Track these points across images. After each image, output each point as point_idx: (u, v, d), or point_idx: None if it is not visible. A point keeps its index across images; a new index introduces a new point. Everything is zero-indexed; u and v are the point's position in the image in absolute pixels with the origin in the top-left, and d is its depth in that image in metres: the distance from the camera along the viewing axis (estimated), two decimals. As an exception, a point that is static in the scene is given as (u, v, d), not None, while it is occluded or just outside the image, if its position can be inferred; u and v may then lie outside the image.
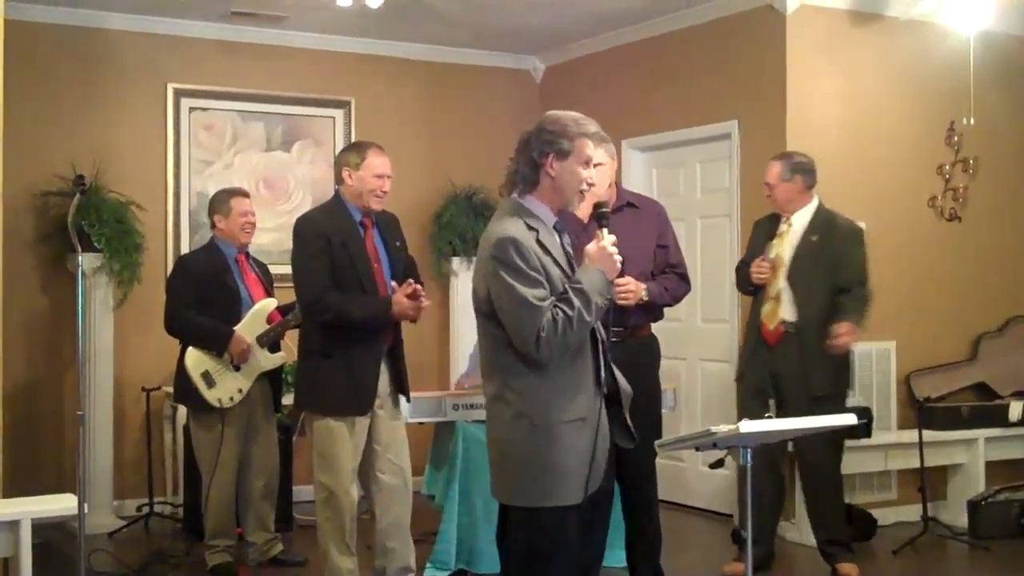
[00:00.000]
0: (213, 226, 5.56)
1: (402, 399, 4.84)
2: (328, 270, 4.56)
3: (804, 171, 5.29)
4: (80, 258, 4.38)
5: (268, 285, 5.66)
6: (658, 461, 4.70)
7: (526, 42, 7.69)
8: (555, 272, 3.25)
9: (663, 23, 6.97)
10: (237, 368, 5.37)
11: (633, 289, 4.43)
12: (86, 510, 4.27)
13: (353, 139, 7.14)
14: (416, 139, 7.58)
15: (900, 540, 5.86)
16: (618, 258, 3.32)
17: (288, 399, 5.66)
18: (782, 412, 5.12)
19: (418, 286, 4.61)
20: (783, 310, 5.23)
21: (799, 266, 5.22)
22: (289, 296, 5.25)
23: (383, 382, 4.67)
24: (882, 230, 6.43)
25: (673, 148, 7.11)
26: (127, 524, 6.38)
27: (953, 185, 6.72)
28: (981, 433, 6.42)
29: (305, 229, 4.67)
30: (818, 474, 5.34)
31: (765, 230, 5.41)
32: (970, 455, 6.44)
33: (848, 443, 5.92)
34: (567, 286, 3.24)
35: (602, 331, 3.40)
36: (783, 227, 5.31)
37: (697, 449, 3.53)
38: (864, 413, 5.89)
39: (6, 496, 4.98)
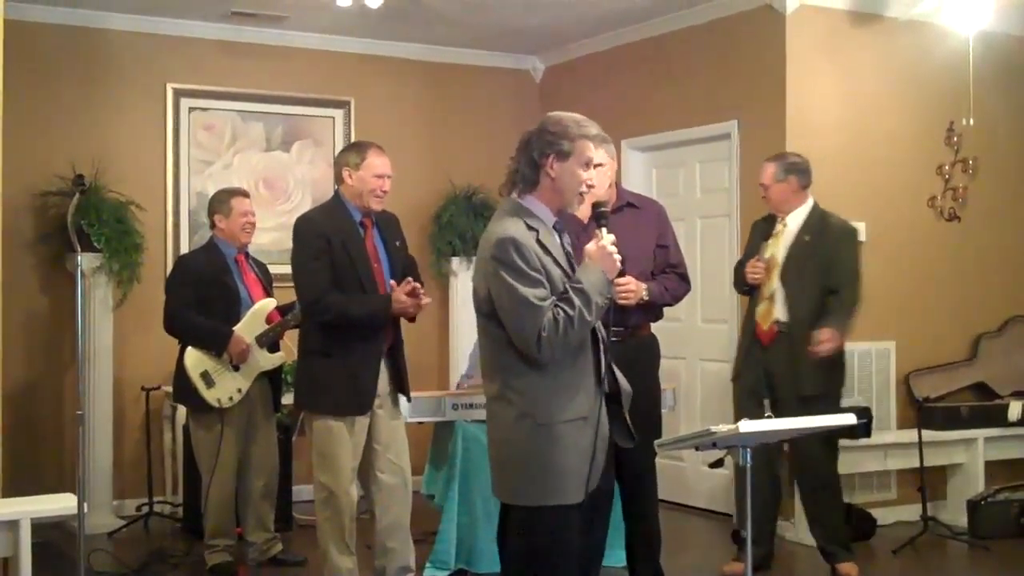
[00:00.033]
0: (213, 226, 5.56)
1: (402, 399, 4.84)
2: (328, 270, 4.56)
3: (798, 171, 5.30)
4: (80, 258, 4.38)
5: (267, 285, 5.66)
6: (658, 461, 4.70)
7: (526, 42, 7.69)
8: (555, 272, 3.26)
9: (663, 23, 6.97)
10: (236, 368, 5.37)
11: (634, 289, 4.43)
12: (86, 510, 4.27)
13: (353, 139, 7.14)
14: (416, 139, 7.58)
15: (900, 540, 5.86)
16: (617, 257, 3.34)
17: (288, 399, 5.66)
18: (776, 412, 5.12)
19: (417, 284, 4.61)
20: (776, 310, 5.25)
21: (791, 266, 5.23)
22: (289, 296, 5.26)
23: (383, 382, 4.67)
24: (882, 230, 6.44)
25: (673, 148, 7.12)
26: (127, 524, 6.38)
27: (953, 185, 6.72)
28: (980, 433, 6.42)
29: (305, 229, 4.67)
30: (813, 473, 5.35)
31: (762, 231, 5.43)
32: (969, 455, 6.44)
33: (848, 443, 5.94)
34: (567, 286, 3.25)
35: (602, 330, 3.40)
36: (778, 227, 5.33)
37: (697, 449, 3.53)
38: (864, 413, 5.89)
39: (6, 496, 4.98)
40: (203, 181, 7.02)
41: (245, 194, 5.65)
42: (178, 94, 7.00)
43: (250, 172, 7.19)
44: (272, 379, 5.56)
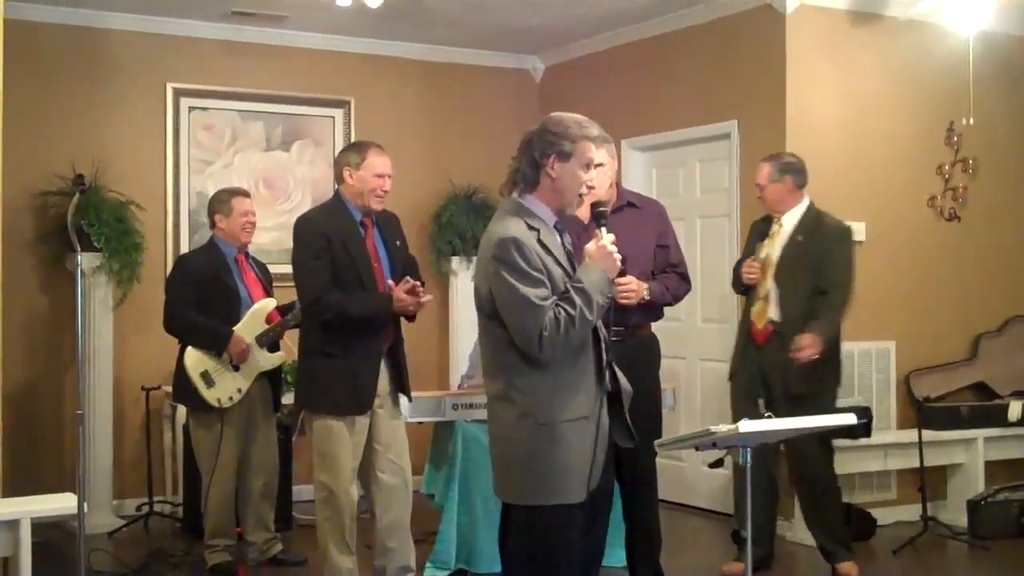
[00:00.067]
0: (213, 225, 5.56)
1: (402, 398, 4.83)
2: (329, 269, 4.56)
3: (793, 171, 5.31)
4: (80, 258, 4.38)
5: (267, 285, 5.66)
6: (658, 460, 4.70)
7: (526, 42, 7.69)
8: (557, 271, 3.27)
9: (663, 23, 6.97)
10: (236, 368, 5.37)
11: (635, 288, 4.44)
12: (86, 509, 4.27)
13: (353, 139, 7.14)
14: (416, 139, 7.58)
15: (900, 540, 5.86)
16: (618, 257, 3.34)
17: (287, 399, 5.66)
18: (769, 411, 5.13)
19: (416, 283, 4.61)
20: (771, 310, 5.26)
21: (785, 266, 5.25)
22: (289, 296, 5.26)
23: (383, 381, 4.67)
24: (882, 230, 6.44)
25: (673, 148, 7.12)
26: (127, 523, 6.38)
27: (953, 185, 6.72)
28: (980, 433, 6.42)
29: (305, 229, 4.67)
30: (808, 473, 5.34)
31: (759, 231, 5.44)
32: (970, 455, 6.44)
33: (848, 443, 5.94)
34: (568, 285, 3.25)
35: (603, 329, 3.41)
36: (774, 227, 5.34)
37: (697, 449, 3.53)
38: (864, 413, 5.89)
39: (6, 495, 4.98)
40: (203, 181, 7.02)
41: (246, 194, 5.65)
42: (178, 94, 7.00)
43: (250, 172, 7.19)
44: (272, 379, 5.56)
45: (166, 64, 6.95)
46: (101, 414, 6.41)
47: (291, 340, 5.29)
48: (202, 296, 5.38)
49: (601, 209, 3.47)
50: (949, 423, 6.36)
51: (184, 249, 6.74)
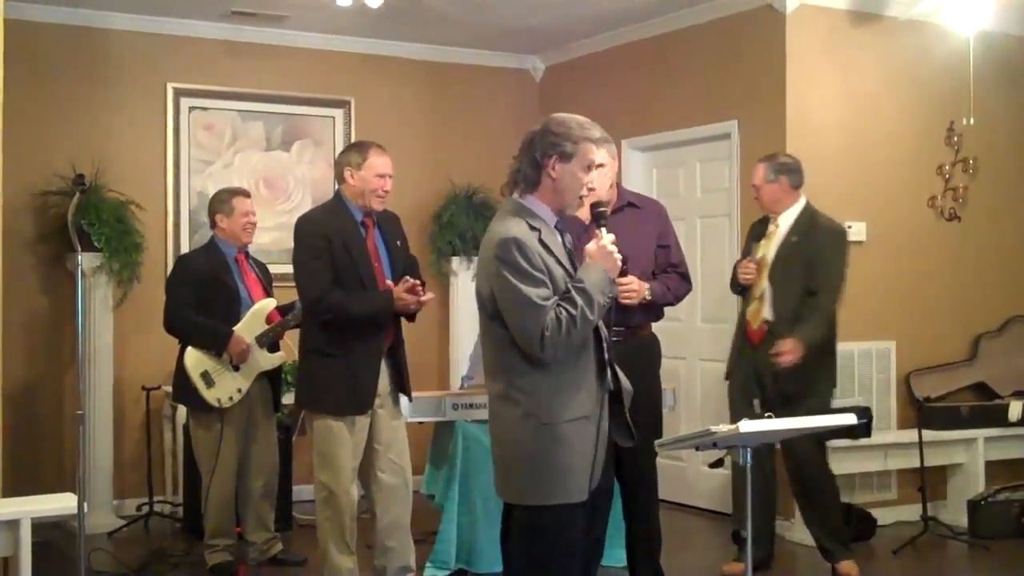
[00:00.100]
0: (214, 225, 5.56)
1: (402, 398, 4.83)
2: (329, 269, 4.56)
3: (789, 171, 5.32)
4: (80, 257, 4.38)
5: (267, 285, 5.66)
6: (658, 461, 4.70)
7: (526, 42, 7.69)
8: (558, 271, 3.27)
9: (663, 23, 6.97)
10: (236, 368, 5.37)
11: (636, 288, 4.44)
12: (86, 509, 4.27)
13: (353, 139, 7.14)
14: (416, 139, 7.58)
15: (900, 540, 5.86)
16: (618, 257, 3.35)
17: (288, 398, 5.66)
18: (764, 410, 5.14)
19: (415, 282, 4.61)
20: (765, 310, 5.27)
21: (779, 267, 5.25)
22: (289, 296, 5.26)
23: (383, 381, 4.67)
24: (882, 230, 6.44)
25: (673, 148, 7.12)
26: (127, 523, 6.38)
27: (953, 185, 6.73)
28: (981, 433, 6.42)
29: (306, 229, 4.67)
30: (804, 472, 5.34)
31: (756, 232, 5.46)
32: (970, 455, 6.44)
33: (848, 443, 5.95)
34: (569, 285, 3.26)
35: (604, 329, 3.41)
36: (771, 228, 5.35)
37: (697, 449, 3.53)
38: (864, 413, 5.89)
39: (6, 495, 4.98)
40: (203, 181, 7.02)
41: (246, 194, 5.65)
42: (178, 93, 7.00)
43: (250, 172, 7.19)
44: (272, 379, 5.56)
45: (166, 64, 6.95)
46: (101, 414, 6.41)
47: (291, 340, 5.29)
48: (202, 296, 5.38)
49: (601, 209, 3.48)
50: (949, 423, 6.36)
51: (184, 249, 6.74)
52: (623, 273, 3.84)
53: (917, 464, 5.98)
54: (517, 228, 3.24)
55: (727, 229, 6.63)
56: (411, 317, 4.73)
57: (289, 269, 4.82)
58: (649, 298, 4.52)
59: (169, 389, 5.88)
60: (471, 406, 5.22)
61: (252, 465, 5.52)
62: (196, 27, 6.97)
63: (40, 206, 6.56)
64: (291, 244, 4.77)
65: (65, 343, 6.59)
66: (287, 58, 7.28)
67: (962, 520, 6.23)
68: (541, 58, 8.02)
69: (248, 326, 5.40)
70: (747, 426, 3.25)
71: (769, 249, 5.31)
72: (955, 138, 6.67)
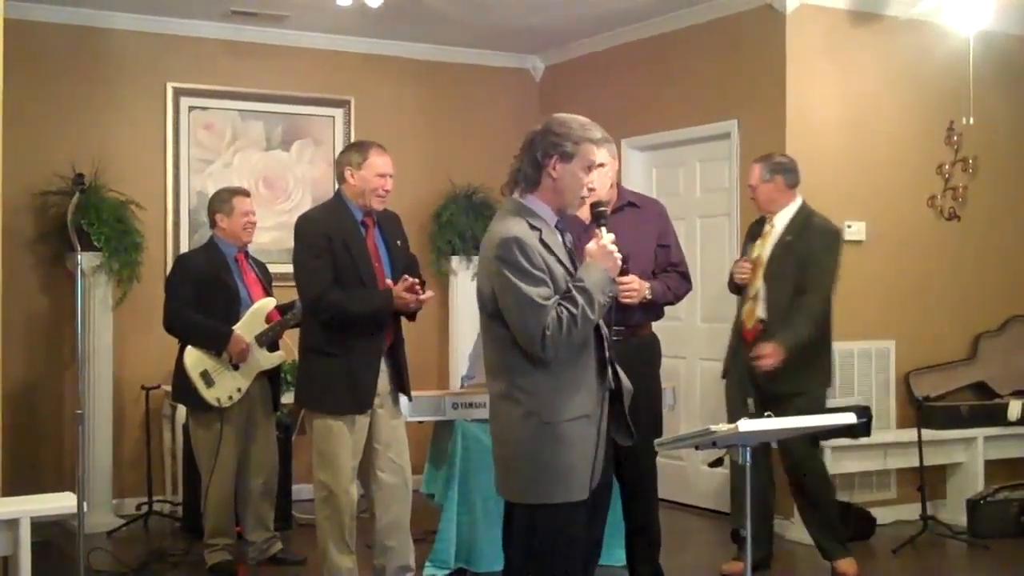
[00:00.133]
0: (214, 225, 5.55)
1: (402, 398, 4.84)
2: (330, 268, 4.56)
3: (784, 171, 5.32)
4: (79, 257, 4.39)
5: (267, 284, 5.66)
6: (658, 460, 4.70)
7: (526, 42, 7.69)
8: (559, 271, 3.28)
9: (663, 22, 6.97)
10: (236, 367, 5.37)
11: (637, 287, 4.44)
12: (85, 509, 4.27)
13: (353, 139, 7.14)
14: (416, 138, 7.58)
15: (899, 539, 5.86)
16: (618, 256, 3.36)
17: (287, 398, 5.66)
18: (758, 409, 5.15)
19: (414, 281, 4.61)
20: (759, 309, 5.27)
21: (773, 266, 5.26)
22: (289, 295, 5.26)
23: (383, 381, 4.67)
24: (882, 230, 6.45)
25: (673, 147, 7.12)
26: (126, 523, 6.38)
27: (952, 184, 6.73)
28: (980, 432, 6.42)
29: (307, 228, 4.67)
30: (798, 471, 5.34)
31: (753, 232, 5.47)
32: (969, 454, 6.44)
33: (847, 442, 5.95)
34: (570, 284, 3.27)
35: (605, 327, 3.42)
36: (767, 228, 5.36)
37: (697, 448, 3.53)
38: (863, 412, 5.89)
39: (6, 495, 4.98)
40: (203, 180, 7.02)
41: (246, 193, 5.65)
42: (178, 93, 7.00)
43: (250, 171, 7.19)
44: (271, 378, 5.56)
45: (166, 64, 6.95)
46: (101, 414, 6.41)
47: (291, 339, 5.29)
48: (202, 296, 5.38)
49: (601, 209, 3.49)
50: (949, 422, 6.36)
51: (184, 248, 6.74)
52: (624, 272, 3.84)
53: (916, 463, 5.98)
54: (518, 227, 3.25)
55: (727, 229, 6.64)
56: (411, 316, 4.73)
57: (289, 269, 4.82)
58: (650, 297, 4.53)
59: (169, 388, 5.88)
60: (471, 405, 5.22)
61: (251, 464, 5.52)
62: (196, 27, 6.97)
63: (40, 206, 6.56)
64: (291, 244, 4.77)
65: (65, 343, 6.59)
66: (287, 58, 7.28)
67: (961, 519, 6.23)
68: (541, 58, 8.02)
69: (248, 325, 5.40)
70: (746, 425, 3.26)
71: (764, 249, 5.32)
72: (955, 138, 6.67)
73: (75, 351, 4.91)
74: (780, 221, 5.32)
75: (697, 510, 6.81)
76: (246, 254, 5.61)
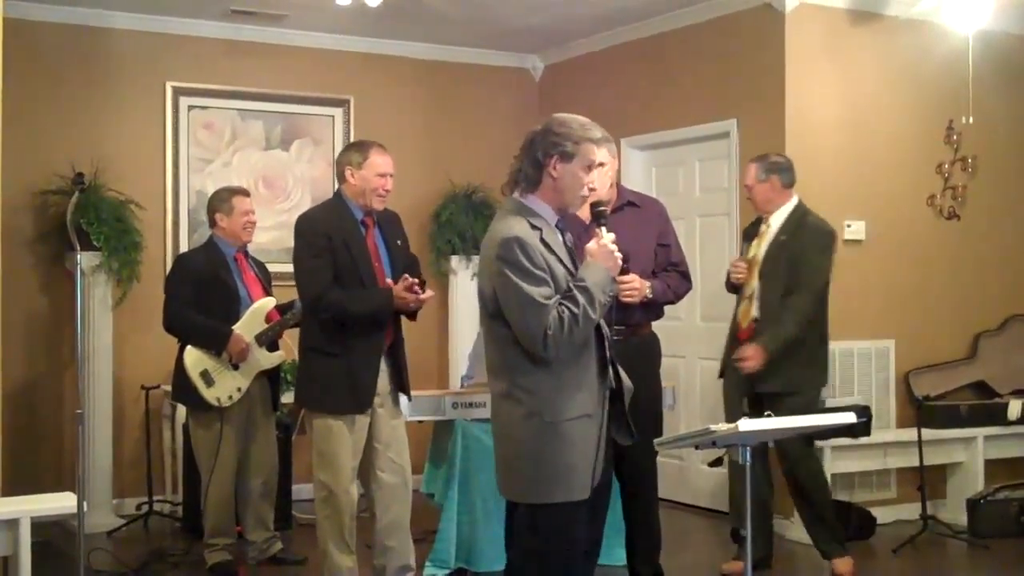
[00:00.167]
0: (213, 224, 5.55)
1: (402, 397, 4.83)
2: (330, 268, 4.56)
3: (780, 171, 5.32)
4: (79, 257, 4.38)
5: (267, 284, 5.66)
6: (658, 459, 4.70)
7: (526, 41, 7.69)
8: (560, 270, 3.29)
9: (662, 22, 6.97)
10: (236, 367, 5.37)
11: (638, 287, 4.44)
12: (85, 509, 4.27)
13: (352, 138, 7.14)
14: (415, 138, 7.58)
15: (899, 539, 5.86)
16: (619, 255, 3.36)
17: (287, 398, 5.66)
18: (752, 408, 5.16)
19: (414, 280, 4.61)
20: (754, 308, 5.27)
21: (766, 266, 5.26)
22: (288, 295, 5.26)
23: (383, 380, 4.67)
24: (882, 229, 6.45)
25: (672, 147, 7.12)
26: (126, 523, 6.38)
27: (952, 184, 6.73)
28: (980, 432, 6.42)
29: (307, 227, 4.67)
30: (794, 471, 5.34)
31: (750, 231, 5.48)
32: (969, 454, 6.44)
33: (848, 442, 5.95)
34: (571, 284, 3.27)
35: (605, 327, 3.42)
36: (763, 227, 5.36)
37: (697, 447, 3.53)
38: (863, 411, 5.89)
39: (6, 495, 4.98)
40: (202, 180, 7.02)
41: (246, 193, 5.65)
42: (177, 92, 7.00)
43: (249, 171, 7.19)
44: (271, 378, 5.56)
45: (166, 63, 6.95)
46: (101, 413, 6.41)
47: (291, 339, 5.29)
48: (201, 295, 5.38)
49: (601, 208, 3.50)
50: (949, 422, 6.36)
51: (183, 248, 6.74)
52: (624, 271, 3.84)
53: (916, 463, 5.98)
54: (519, 227, 3.25)
55: (726, 228, 6.64)
56: (412, 316, 4.73)
57: (288, 268, 4.82)
58: (650, 296, 4.53)
59: (168, 388, 5.88)
60: (471, 405, 5.22)
61: (251, 464, 5.51)
62: (196, 26, 6.96)
63: (39, 205, 6.56)
64: (290, 243, 4.77)
65: (64, 342, 6.59)
66: (287, 57, 7.28)
67: (961, 519, 6.23)
68: (541, 57, 8.02)
69: (247, 325, 5.40)
70: (746, 425, 3.26)
71: (760, 248, 5.32)
72: (954, 137, 6.67)
73: (75, 351, 4.91)
74: (776, 221, 5.32)
75: (697, 510, 6.81)
76: (246, 254, 5.61)
